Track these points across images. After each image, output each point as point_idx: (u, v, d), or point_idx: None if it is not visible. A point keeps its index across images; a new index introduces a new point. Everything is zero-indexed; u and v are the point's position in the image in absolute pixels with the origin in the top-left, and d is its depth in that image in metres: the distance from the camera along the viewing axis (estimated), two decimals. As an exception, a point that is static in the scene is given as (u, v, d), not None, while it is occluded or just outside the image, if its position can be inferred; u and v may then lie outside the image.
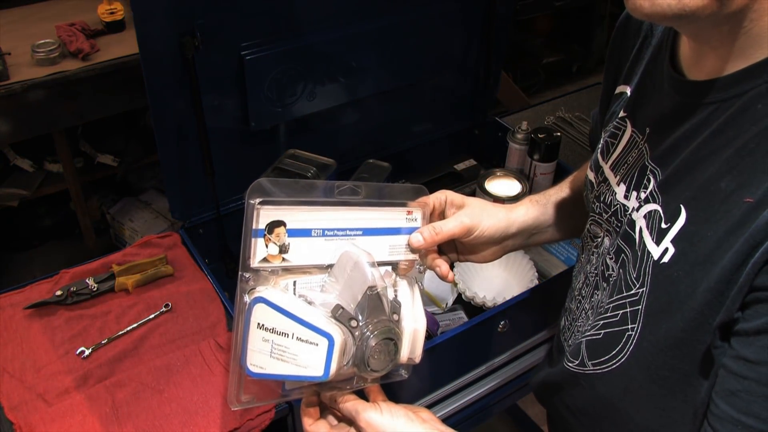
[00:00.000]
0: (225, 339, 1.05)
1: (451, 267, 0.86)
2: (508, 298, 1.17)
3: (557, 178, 1.37)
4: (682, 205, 0.63)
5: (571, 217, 0.96)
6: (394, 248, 0.80)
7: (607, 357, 0.73)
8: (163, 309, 1.10)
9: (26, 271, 2.34)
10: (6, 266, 2.36)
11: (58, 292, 1.08)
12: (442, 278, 0.84)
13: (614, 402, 0.74)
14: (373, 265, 0.74)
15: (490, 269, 1.35)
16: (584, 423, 0.81)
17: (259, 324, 0.69)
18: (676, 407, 0.66)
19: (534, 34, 3.37)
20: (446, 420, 1.19)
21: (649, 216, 0.67)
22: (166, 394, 0.96)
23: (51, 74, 1.71)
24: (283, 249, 0.72)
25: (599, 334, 0.75)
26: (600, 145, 0.83)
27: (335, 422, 0.77)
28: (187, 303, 1.12)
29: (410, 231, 0.81)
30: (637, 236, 0.69)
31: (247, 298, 0.71)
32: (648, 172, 0.69)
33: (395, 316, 0.74)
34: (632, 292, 0.68)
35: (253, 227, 0.71)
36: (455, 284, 1.29)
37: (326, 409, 0.78)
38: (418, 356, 0.78)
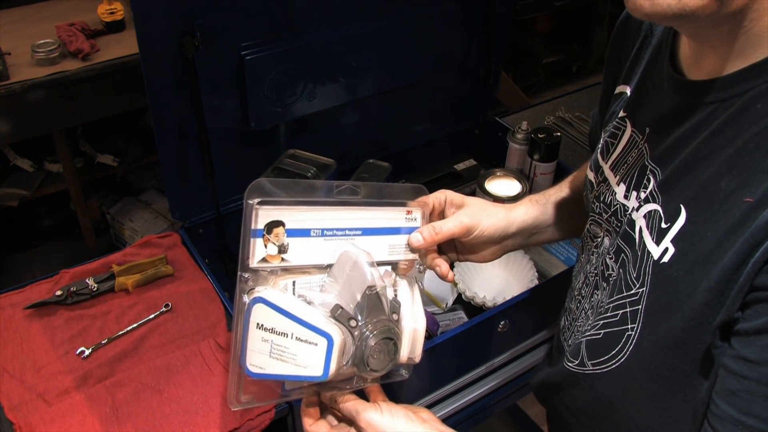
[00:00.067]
0: (225, 339, 1.05)
1: (451, 267, 0.86)
2: (508, 298, 1.17)
3: (557, 178, 1.37)
4: (682, 205, 0.63)
5: (571, 217, 0.96)
6: (394, 248, 0.80)
7: (607, 357, 0.73)
8: (163, 309, 1.10)
9: (26, 271, 2.34)
10: (6, 266, 2.35)
11: (58, 292, 1.08)
12: (442, 278, 0.84)
13: (614, 402, 0.74)
14: (372, 264, 0.74)
15: (490, 269, 1.35)
16: (584, 423, 0.81)
17: (258, 324, 0.69)
18: (676, 407, 0.66)
19: (534, 34, 3.37)
20: (446, 420, 1.19)
21: (649, 216, 0.67)
22: (166, 394, 0.96)
23: (51, 74, 1.71)
24: (282, 249, 0.72)
25: (599, 334, 0.75)
26: (600, 145, 0.83)
27: (335, 422, 0.77)
28: (187, 303, 1.12)
29: (410, 231, 0.81)
30: (637, 236, 0.69)
31: (246, 298, 0.71)
32: (648, 172, 0.69)
33: (395, 316, 0.74)
34: (632, 292, 0.68)
35: (252, 227, 0.71)
36: (455, 284, 1.28)
37: (326, 409, 0.78)
38: (418, 356, 0.78)
